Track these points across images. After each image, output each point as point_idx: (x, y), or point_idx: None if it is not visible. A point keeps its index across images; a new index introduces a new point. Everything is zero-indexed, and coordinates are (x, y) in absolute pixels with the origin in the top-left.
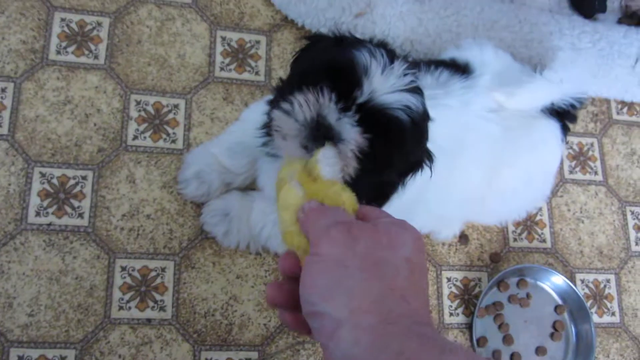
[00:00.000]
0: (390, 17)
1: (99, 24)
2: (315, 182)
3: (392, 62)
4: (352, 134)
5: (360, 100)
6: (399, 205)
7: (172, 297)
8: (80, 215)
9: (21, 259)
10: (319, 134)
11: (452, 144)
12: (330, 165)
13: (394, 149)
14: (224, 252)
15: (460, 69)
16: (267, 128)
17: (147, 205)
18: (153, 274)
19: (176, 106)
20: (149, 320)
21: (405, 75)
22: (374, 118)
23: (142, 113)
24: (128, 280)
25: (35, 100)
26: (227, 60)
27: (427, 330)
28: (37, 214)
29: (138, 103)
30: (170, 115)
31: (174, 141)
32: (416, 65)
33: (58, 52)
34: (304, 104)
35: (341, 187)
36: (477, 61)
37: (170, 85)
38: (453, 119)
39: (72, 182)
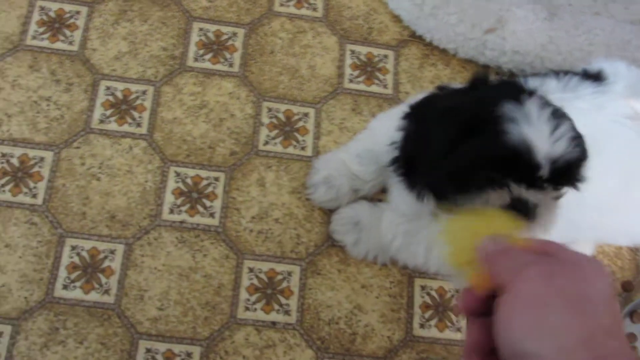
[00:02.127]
0: (521, 33)
1: (235, 34)
2: (477, 219)
3: (530, 106)
4: (548, 198)
5: (546, 173)
6: None
7: (297, 302)
8: (212, 215)
9: (154, 254)
10: (522, 212)
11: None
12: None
13: (577, 176)
14: (349, 261)
15: (592, 77)
16: (397, 158)
17: (276, 209)
18: (279, 277)
19: (306, 115)
20: (273, 323)
21: (544, 105)
22: (560, 171)
23: (274, 120)
24: (255, 281)
25: (173, 104)
26: (355, 73)
27: None
28: (171, 211)
29: (270, 110)
30: (300, 123)
31: (303, 148)
32: (544, 74)
33: (195, 59)
34: (495, 203)
35: (501, 212)
36: (610, 71)
37: (300, 94)
38: (584, 121)
39: (205, 182)
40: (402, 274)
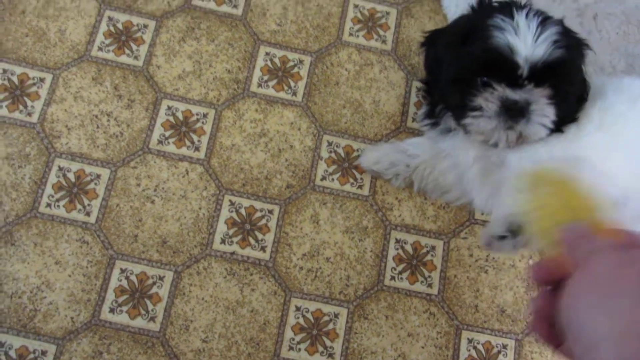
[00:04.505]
0: None
1: (301, 61)
2: (565, 192)
3: (519, 18)
4: (536, 96)
5: (525, 73)
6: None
7: (341, 345)
8: (263, 249)
9: (202, 284)
10: (513, 112)
11: None
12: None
13: (566, 80)
14: (397, 307)
15: None
16: (430, 115)
17: (327, 247)
18: (326, 318)
19: None
20: None
21: (534, 16)
22: (541, 71)
23: (333, 155)
24: (301, 321)
25: (233, 129)
26: (421, 111)
27: None
28: (223, 241)
29: (330, 144)
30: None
31: (360, 187)
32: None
33: (259, 85)
34: (487, 103)
35: (586, 192)
36: None
37: (362, 130)
38: None
39: (258, 214)
40: (449, 325)
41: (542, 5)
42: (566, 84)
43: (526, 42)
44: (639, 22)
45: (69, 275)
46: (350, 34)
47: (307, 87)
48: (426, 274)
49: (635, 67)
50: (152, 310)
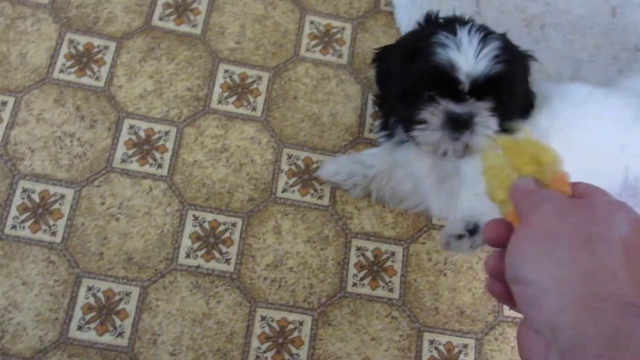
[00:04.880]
0: None
1: (259, 77)
2: (515, 146)
3: (462, 34)
4: (479, 109)
5: (466, 88)
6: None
7: (307, 352)
8: (227, 261)
9: (169, 298)
10: (457, 124)
11: None
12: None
13: (507, 93)
14: (360, 312)
15: None
16: (384, 127)
17: (290, 257)
18: (291, 326)
19: None
20: None
21: (477, 32)
22: (483, 86)
23: (293, 167)
24: (267, 330)
25: (194, 146)
26: (377, 123)
27: None
28: (187, 255)
29: (289, 157)
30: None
31: (320, 197)
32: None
33: (219, 102)
34: (432, 116)
35: (540, 146)
36: None
37: (321, 142)
38: None
39: (222, 227)
40: (411, 328)
41: (491, 16)
42: (508, 97)
43: (467, 58)
44: (583, 31)
45: (36, 295)
46: (307, 50)
47: (266, 103)
48: (387, 279)
49: (581, 73)
50: (120, 326)
